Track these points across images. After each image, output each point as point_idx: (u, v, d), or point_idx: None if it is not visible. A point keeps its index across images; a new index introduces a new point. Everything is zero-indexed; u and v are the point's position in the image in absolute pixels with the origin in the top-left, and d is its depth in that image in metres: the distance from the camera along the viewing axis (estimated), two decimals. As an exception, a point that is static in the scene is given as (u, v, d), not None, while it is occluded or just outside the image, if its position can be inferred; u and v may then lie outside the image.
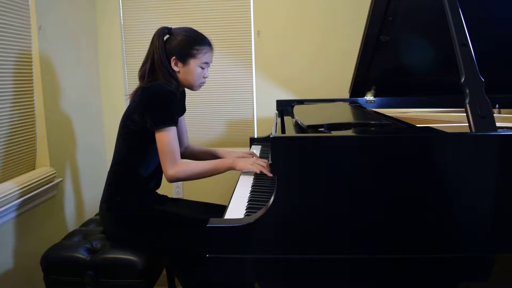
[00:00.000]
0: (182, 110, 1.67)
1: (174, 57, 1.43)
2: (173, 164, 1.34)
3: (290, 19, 2.27)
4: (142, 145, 1.42)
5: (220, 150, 1.74)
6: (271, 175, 1.33)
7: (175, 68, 1.44)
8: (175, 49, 1.42)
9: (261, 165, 1.35)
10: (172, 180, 1.35)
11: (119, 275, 1.36)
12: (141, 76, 1.46)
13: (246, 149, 1.90)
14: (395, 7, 1.57)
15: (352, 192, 0.94)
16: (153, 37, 1.44)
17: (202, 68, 1.46)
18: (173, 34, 1.45)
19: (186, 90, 2.25)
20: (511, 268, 0.98)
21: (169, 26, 1.47)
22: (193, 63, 1.44)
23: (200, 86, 1.51)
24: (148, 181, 1.48)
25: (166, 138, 1.33)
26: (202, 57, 1.44)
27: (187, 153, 1.75)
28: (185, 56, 1.43)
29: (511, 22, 1.48)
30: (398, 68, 1.81)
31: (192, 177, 1.38)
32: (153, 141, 1.37)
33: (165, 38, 1.45)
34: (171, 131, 1.34)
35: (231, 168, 1.38)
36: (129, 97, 1.50)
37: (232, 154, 1.69)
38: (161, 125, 1.33)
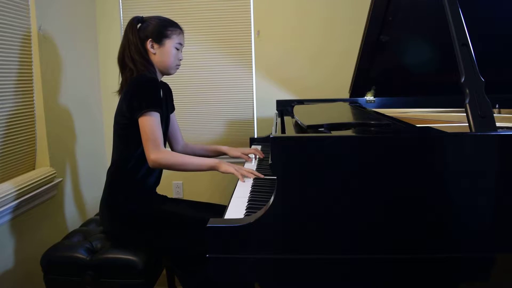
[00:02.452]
0: (172, 108, 1.68)
1: (150, 39, 1.47)
2: (156, 149, 1.35)
3: (290, 19, 2.27)
4: (136, 140, 1.42)
5: (222, 147, 1.75)
6: (262, 176, 1.35)
7: (152, 50, 1.48)
8: (150, 32, 1.48)
9: (245, 173, 1.36)
10: (154, 165, 1.37)
11: (119, 275, 1.36)
12: (120, 69, 1.51)
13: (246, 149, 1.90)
14: (395, 7, 1.57)
15: (352, 192, 0.94)
16: (126, 27, 1.49)
17: (177, 49, 1.51)
18: (145, 21, 1.51)
19: (184, 91, 2.26)
20: (511, 268, 0.98)
21: (141, 15, 1.52)
22: (169, 43, 1.49)
23: (176, 68, 1.55)
24: (147, 178, 1.48)
25: (149, 123, 1.35)
26: (176, 37, 1.50)
27: (188, 151, 1.75)
28: (160, 37, 1.48)
29: (511, 22, 1.48)
30: (398, 68, 1.81)
31: (174, 166, 1.38)
32: None
33: (138, 26, 1.50)
34: (154, 116, 1.36)
35: (214, 169, 1.40)
36: (117, 93, 1.53)
37: (234, 151, 1.69)
38: (143, 109, 1.35)
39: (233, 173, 1.37)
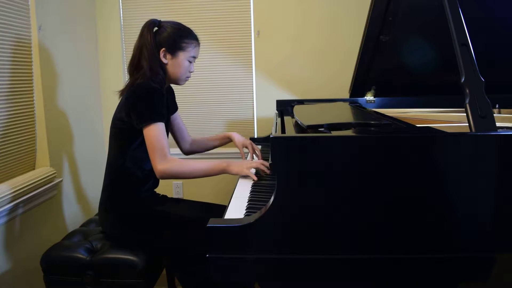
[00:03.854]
0: (174, 108, 1.67)
1: (163, 49, 1.43)
2: (163, 159, 1.33)
3: (290, 19, 2.27)
4: (133, 144, 1.42)
5: (231, 133, 1.73)
6: (266, 171, 1.34)
7: (164, 60, 1.45)
8: (165, 41, 1.44)
9: (257, 165, 1.35)
10: (163, 176, 1.35)
11: (119, 275, 1.36)
12: (131, 71, 1.47)
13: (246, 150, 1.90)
14: (395, 7, 1.57)
15: (352, 192, 0.94)
16: (143, 29, 1.45)
17: (190, 62, 1.48)
18: (162, 26, 1.46)
19: (184, 91, 2.26)
20: (511, 268, 0.98)
21: (158, 19, 1.48)
22: (182, 56, 1.45)
23: (186, 80, 1.52)
24: (145, 180, 1.48)
25: (154, 133, 1.33)
26: (191, 50, 1.46)
27: (195, 147, 1.76)
28: (174, 48, 1.44)
29: (511, 22, 1.48)
30: (398, 68, 1.81)
31: (182, 175, 1.36)
32: (144, 140, 1.36)
33: (154, 30, 1.46)
34: (159, 126, 1.34)
35: (225, 172, 1.37)
36: (119, 93, 1.50)
37: (238, 143, 1.68)
38: (147, 121, 1.33)
39: (245, 174, 1.36)
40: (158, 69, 1.43)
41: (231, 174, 1.37)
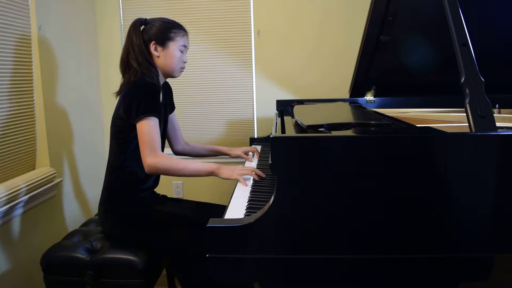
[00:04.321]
0: (171, 108, 1.68)
1: (153, 42, 1.46)
2: (153, 153, 1.32)
3: (290, 19, 2.27)
4: (133, 143, 1.41)
5: (222, 147, 1.78)
6: (257, 178, 1.33)
7: (155, 53, 1.47)
8: (154, 35, 1.46)
9: (248, 172, 1.35)
10: (150, 170, 1.33)
11: (119, 275, 1.36)
12: (123, 70, 1.49)
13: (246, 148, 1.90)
14: (395, 7, 1.57)
15: (352, 192, 0.94)
16: (129, 29, 1.47)
17: (181, 52, 1.50)
18: (149, 23, 1.49)
19: (184, 91, 2.26)
20: (511, 268, 0.98)
21: (144, 17, 1.50)
22: (173, 46, 1.47)
23: (181, 71, 1.54)
24: (145, 179, 1.48)
25: (147, 127, 1.33)
26: (180, 39, 1.49)
27: (187, 150, 1.77)
28: (164, 40, 1.46)
29: (511, 22, 1.48)
30: (398, 68, 1.81)
31: (171, 172, 1.35)
32: None
33: (141, 28, 1.48)
34: (152, 121, 1.34)
35: (214, 174, 1.37)
36: (115, 94, 1.51)
37: (234, 151, 1.71)
38: (141, 114, 1.34)
39: (235, 179, 1.35)
40: (147, 65, 1.44)
41: (220, 177, 1.37)
